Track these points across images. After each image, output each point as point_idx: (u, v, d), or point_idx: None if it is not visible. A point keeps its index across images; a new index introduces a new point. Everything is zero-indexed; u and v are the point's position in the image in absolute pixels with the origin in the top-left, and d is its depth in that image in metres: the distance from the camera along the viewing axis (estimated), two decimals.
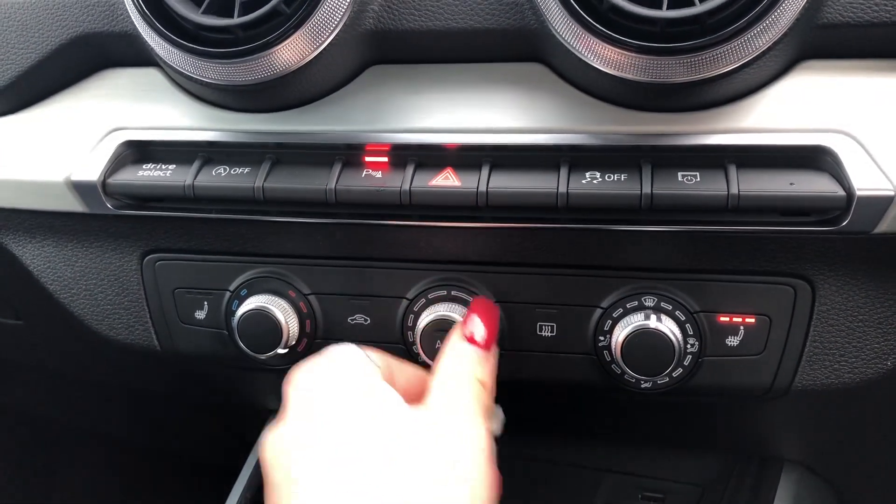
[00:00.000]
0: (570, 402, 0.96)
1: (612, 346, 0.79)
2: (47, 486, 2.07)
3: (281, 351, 0.85)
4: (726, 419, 0.92)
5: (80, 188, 0.84)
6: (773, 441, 0.96)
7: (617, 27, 0.68)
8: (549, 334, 0.82)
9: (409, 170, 0.77)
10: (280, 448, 0.61)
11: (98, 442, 2.00)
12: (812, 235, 0.73)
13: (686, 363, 0.79)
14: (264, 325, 0.85)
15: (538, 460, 1.15)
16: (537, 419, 1.08)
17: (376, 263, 0.85)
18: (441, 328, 0.81)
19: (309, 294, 0.86)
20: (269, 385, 1.05)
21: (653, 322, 0.77)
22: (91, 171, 0.84)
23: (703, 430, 0.98)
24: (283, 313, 0.85)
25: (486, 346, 0.72)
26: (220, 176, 0.80)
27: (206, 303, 0.89)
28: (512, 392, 0.95)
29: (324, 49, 0.75)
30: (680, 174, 0.72)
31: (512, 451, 1.15)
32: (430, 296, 0.83)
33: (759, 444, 0.97)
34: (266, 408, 1.14)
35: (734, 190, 0.70)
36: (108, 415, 1.63)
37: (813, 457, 0.98)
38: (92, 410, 1.63)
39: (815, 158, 0.71)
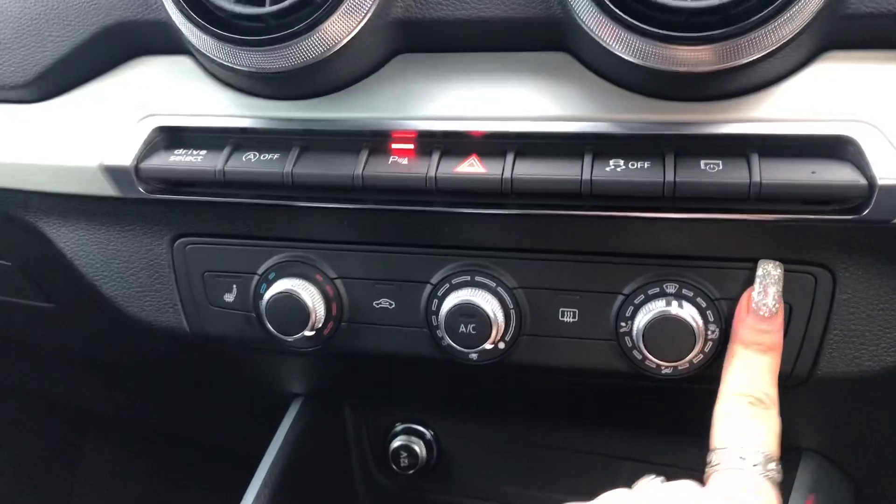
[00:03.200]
0: (590, 389, 0.97)
1: (634, 332, 0.80)
2: (72, 472, 2.11)
3: (308, 333, 0.87)
4: None
5: (114, 173, 0.86)
6: (791, 430, 0.96)
7: (641, 16, 0.69)
8: (572, 320, 0.83)
9: (435, 157, 0.79)
10: None
11: (122, 427, 2.04)
12: (833, 224, 0.73)
13: (707, 350, 0.80)
14: (292, 308, 0.87)
15: (559, 448, 1.16)
16: (555, 406, 1.09)
17: (402, 248, 0.86)
18: (464, 313, 0.83)
19: (335, 278, 0.88)
20: (295, 369, 1.08)
21: (674, 308, 0.78)
22: (124, 156, 0.86)
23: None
24: (311, 297, 0.87)
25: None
26: (250, 161, 0.82)
27: (234, 286, 0.91)
28: (532, 379, 0.96)
29: (352, 38, 0.77)
30: (703, 162, 0.73)
31: (533, 439, 1.17)
32: (454, 281, 0.85)
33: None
34: (290, 392, 1.17)
35: (756, 178, 0.71)
36: (134, 400, 1.66)
37: (831, 446, 0.98)
38: (117, 396, 1.66)
39: (837, 148, 0.72)
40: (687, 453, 1.10)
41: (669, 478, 1.12)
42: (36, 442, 2.05)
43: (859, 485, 1.04)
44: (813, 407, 0.90)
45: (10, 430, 1.96)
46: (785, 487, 0.97)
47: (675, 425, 1.06)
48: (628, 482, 1.14)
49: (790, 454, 1.00)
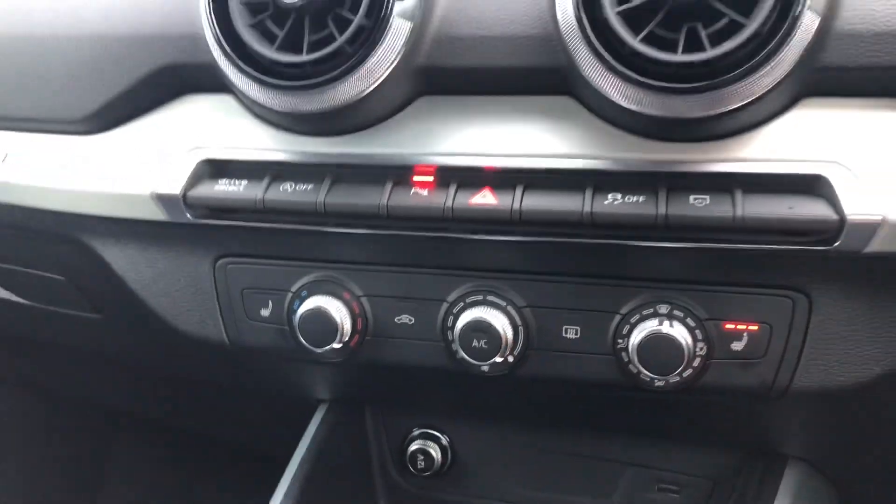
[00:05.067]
0: (592, 398, 1.06)
1: (630, 348, 0.89)
2: (100, 473, 2.18)
3: (336, 346, 0.97)
4: (733, 417, 1.01)
5: (164, 200, 0.96)
6: (776, 438, 1.05)
7: (637, 68, 0.77)
8: (574, 336, 0.92)
9: (452, 189, 0.88)
10: None
11: (151, 430, 2.11)
12: (809, 254, 0.82)
13: (695, 365, 0.88)
14: (322, 322, 0.96)
15: (565, 453, 1.24)
16: (561, 414, 1.18)
17: (421, 270, 0.95)
18: (477, 329, 0.92)
19: (361, 296, 0.97)
20: (322, 377, 1.17)
21: (665, 327, 0.87)
22: (173, 185, 0.95)
23: (712, 426, 1.07)
24: (339, 313, 0.96)
25: None
26: (287, 191, 0.92)
27: (270, 302, 1.01)
28: (539, 389, 1.05)
29: (379, 83, 0.86)
30: (692, 197, 0.82)
31: (537, 444, 1.25)
32: (468, 300, 0.94)
33: (764, 440, 1.06)
34: (316, 397, 1.26)
35: (739, 213, 0.79)
36: (165, 403, 1.75)
37: (815, 454, 1.06)
38: (150, 399, 1.75)
39: (812, 185, 0.80)
40: (683, 458, 1.18)
41: (665, 481, 1.20)
42: (68, 444, 2.13)
43: (842, 491, 1.12)
44: (795, 417, 0.98)
45: (44, 431, 2.05)
46: (770, 493, 1.05)
47: (671, 432, 1.14)
48: (631, 485, 1.23)
49: (775, 461, 1.08)
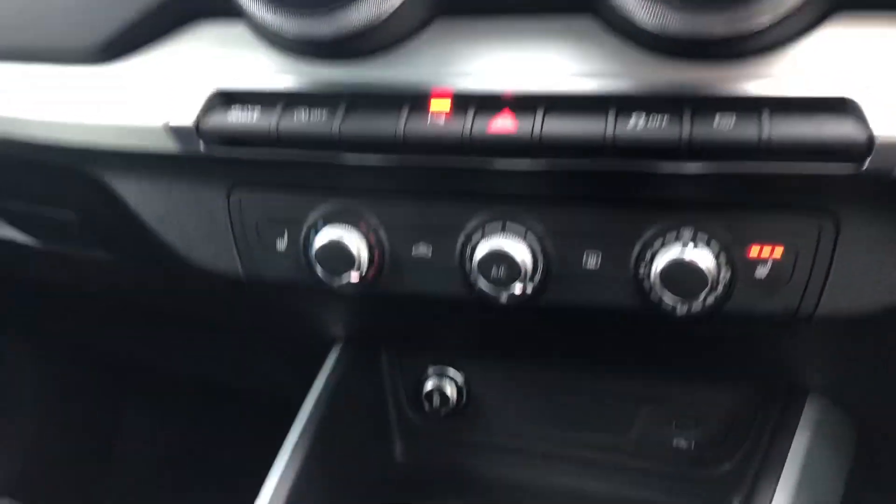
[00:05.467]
0: (608, 331, 1.05)
1: (651, 275, 0.88)
2: (115, 426, 2.20)
3: (353, 278, 0.96)
4: (754, 348, 1.00)
5: (177, 131, 0.94)
6: (797, 370, 1.05)
7: None
8: (594, 263, 0.91)
9: (470, 114, 0.86)
10: None
11: (163, 381, 2.12)
12: (836, 175, 0.80)
13: (718, 290, 0.87)
14: (338, 254, 0.95)
15: (578, 391, 1.24)
16: (578, 350, 1.17)
17: (438, 198, 0.94)
18: (495, 258, 0.91)
19: (378, 226, 0.96)
20: (338, 313, 1.16)
21: (689, 253, 0.86)
22: (186, 116, 0.93)
23: (732, 359, 1.06)
24: (355, 244, 0.95)
25: None
26: (301, 120, 0.90)
27: (286, 233, 0.99)
28: (556, 321, 1.04)
29: (397, 5, 0.84)
30: (717, 118, 0.80)
31: (553, 382, 1.25)
32: (486, 228, 0.92)
33: (785, 373, 1.05)
34: (330, 336, 1.25)
35: (766, 134, 0.78)
36: (179, 352, 1.75)
37: (836, 387, 1.05)
38: (166, 348, 1.76)
39: (841, 106, 0.78)
40: (701, 395, 1.18)
41: (683, 417, 1.20)
42: (81, 396, 2.14)
43: (862, 425, 1.11)
44: (817, 347, 0.97)
45: (57, 384, 2.06)
46: (789, 428, 1.05)
47: (689, 366, 1.13)
48: (648, 422, 1.23)
49: (795, 396, 1.07)
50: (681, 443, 1.21)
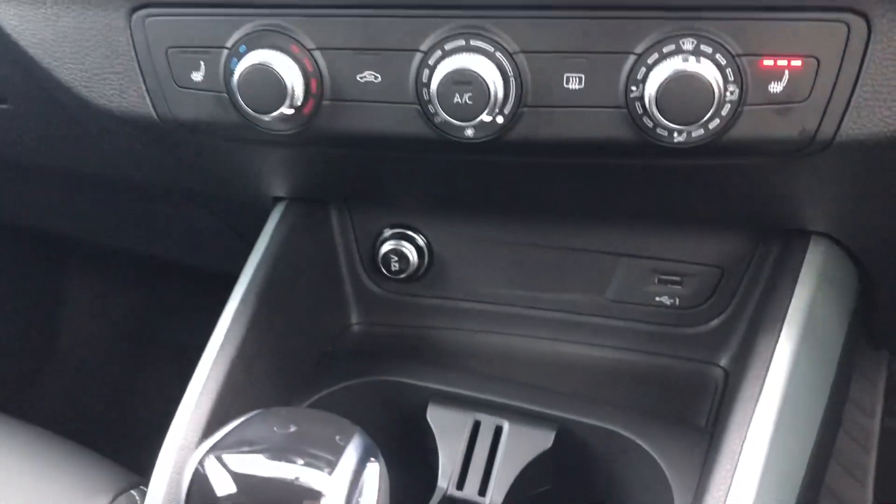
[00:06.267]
0: (589, 173, 0.91)
1: (646, 96, 0.73)
2: (57, 303, 2.10)
3: (286, 111, 0.80)
4: (756, 185, 0.87)
5: None
6: (801, 212, 0.93)
7: None
8: (577, 86, 0.76)
9: None
10: None
11: (105, 256, 2.01)
12: None
13: (724, 113, 0.73)
14: (266, 83, 0.78)
15: (550, 247, 1.12)
16: (551, 198, 1.03)
17: (387, 12, 0.77)
18: (459, 80, 0.75)
19: (314, 49, 0.79)
20: (276, 164, 1.01)
21: (691, 65, 0.71)
22: None
23: (728, 201, 0.94)
24: (287, 70, 0.78)
25: None
26: None
27: (202, 62, 0.82)
28: (530, 165, 0.90)
29: None
30: None
31: (528, 240, 1.13)
32: (447, 46, 0.76)
33: (787, 215, 0.94)
34: (272, 196, 1.10)
35: None
36: (112, 224, 1.60)
37: (841, 229, 0.94)
38: (94, 219, 1.60)
39: None
40: (686, 246, 1.07)
41: (666, 272, 1.09)
42: (20, 274, 2.02)
43: (865, 270, 1.01)
44: (826, 183, 0.85)
45: None
46: (790, 275, 0.94)
47: (677, 212, 1.01)
48: (627, 278, 1.12)
49: (796, 239, 0.96)
50: (664, 300, 1.10)
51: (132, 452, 1.18)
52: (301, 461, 0.58)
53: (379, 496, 0.60)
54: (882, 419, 1.65)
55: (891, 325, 1.19)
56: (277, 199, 1.11)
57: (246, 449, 0.60)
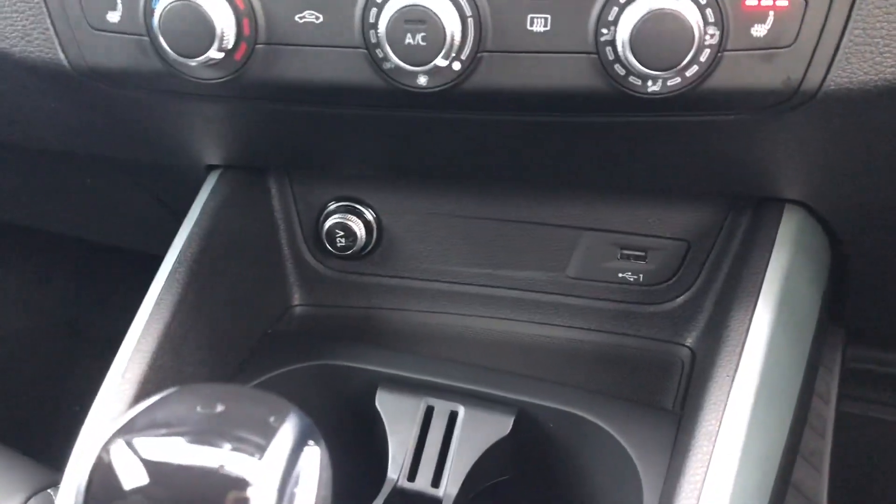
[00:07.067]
0: (548, 134, 0.84)
1: (618, 40, 0.66)
2: None
3: (214, 55, 0.70)
4: (732, 146, 0.81)
5: None
6: (776, 179, 0.87)
7: None
8: (542, 29, 0.69)
9: None
10: None
11: (33, 241, 1.88)
12: None
13: (703, 58, 0.67)
14: (192, 22, 0.69)
15: (506, 220, 1.05)
16: (507, 164, 0.96)
17: None
18: (411, 19, 0.67)
19: None
20: (205, 123, 0.91)
21: (669, 2, 0.64)
22: None
23: (701, 165, 0.88)
24: (215, 7, 0.69)
25: None
26: None
27: (119, 1, 0.73)
28: (488, 123, 0.83)
29: None
30: None
31: (483, 213, 1.05)
32: None
33: (763, 181, 0.88)
34: (205, 164, 1.01)
35: None
36: (22, 198, 1.47)
37: (815, 196, 0.89)
38: (18, 197, 1.47)
39: None
40: (651, 219, 1.00)
41: (630, 246, 1.02)
42: None
43: (838, 241, 0.96)
44: (806, 143, 0.79)
45: None
46: (764, 245, 0.88)
47: (642, 179, 0.94)
48: (587, 254, 1.06)
49: (772, 207, 0.91)
50: (627, 276, 1.04)
51: (61, 451, 1.09)
52: (227, 445, 0.49)
53: (319, 486, 0.51)
54: (837, 405, 1.63)
55: (857, 301, 1.14)
56: (211, 168, 1.02)
57: (162, 432, 0.51)
